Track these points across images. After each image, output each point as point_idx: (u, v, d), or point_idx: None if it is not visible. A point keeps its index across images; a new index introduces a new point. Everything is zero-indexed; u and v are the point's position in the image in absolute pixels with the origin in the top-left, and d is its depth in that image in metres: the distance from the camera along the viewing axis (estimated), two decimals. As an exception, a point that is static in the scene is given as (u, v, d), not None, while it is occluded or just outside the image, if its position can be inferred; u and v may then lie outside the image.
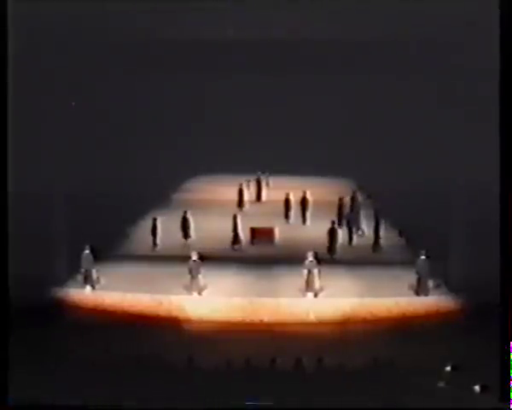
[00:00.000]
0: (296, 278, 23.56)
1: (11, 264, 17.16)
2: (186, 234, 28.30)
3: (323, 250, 25.94)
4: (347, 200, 30.19)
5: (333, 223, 26.79)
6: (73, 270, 24.52)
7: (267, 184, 36.09)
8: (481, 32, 24.27)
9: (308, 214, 31.05)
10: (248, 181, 34.95)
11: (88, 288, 24.12)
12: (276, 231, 28.67)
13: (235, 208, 32.26)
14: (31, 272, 22.80)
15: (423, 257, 23.22)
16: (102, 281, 24.28)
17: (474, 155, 28.13)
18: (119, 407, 15.08)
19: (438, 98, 30.61)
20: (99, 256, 26.40)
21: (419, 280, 23.31)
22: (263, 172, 35.29)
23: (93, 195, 30.92)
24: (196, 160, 32.30)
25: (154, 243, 27.98)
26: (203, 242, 27.29)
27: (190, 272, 23.38)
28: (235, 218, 27.94)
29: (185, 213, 28.70)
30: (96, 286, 24.18)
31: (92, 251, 24.47)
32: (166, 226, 28.81)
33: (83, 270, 24.26)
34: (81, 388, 15.83)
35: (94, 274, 24.28)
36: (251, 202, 33.60)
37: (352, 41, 29.59)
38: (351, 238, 28.37)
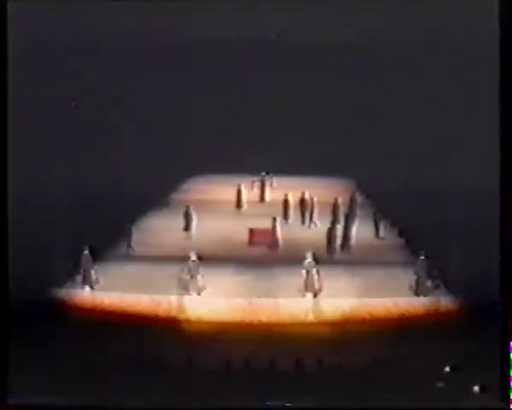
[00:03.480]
0: (295, 278, 23.57)
1: (11, 264, 17.16)
2: (187, 226, 28.49)
3: (323, 250, 25.94)
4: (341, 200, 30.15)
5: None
6: (73, 270, 24.52)
7: (271, 185, 36.09)
8: (481, 32, 24.26)
9: (308, 215, 30.97)
10: (253, 181, 34.85)
11: (87, 288, 24.13)
12: (278, 233, 28.42)
13: (234, 208, 32.24)
14: (30, 272, 22.80)
15: (422, 257, 23.23)
16: (102, 281, 24.29)
17: (474, 154, 28.10)
18: (119, 407, 15.08)
19: (438, 98, 30.58)
20: (98, 256, 26.40)
21: (418, 280, 23.32)
22: (267, 173, 35.25)
23: (92, 195, 30.84)
24: (195, 160, 32.27)
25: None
26: (202, 242, 27.22)
27: (189, 272, 23.38)
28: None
29: (187, 207, 28.83)
30: (95, 286, 24.18)
31: (91, 251, 24.47)
32: (165, 227, 28.80)
33: (82, 270, 24.28)
34: (80, 388, 15.82)
35: (93, 275, 24.29)
36: (254, 203, 33.50)
37: (352, 41, 29.56)
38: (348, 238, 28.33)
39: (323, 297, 23.01)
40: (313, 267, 23.09)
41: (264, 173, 35.34)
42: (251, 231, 28.64)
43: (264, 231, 28.48)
